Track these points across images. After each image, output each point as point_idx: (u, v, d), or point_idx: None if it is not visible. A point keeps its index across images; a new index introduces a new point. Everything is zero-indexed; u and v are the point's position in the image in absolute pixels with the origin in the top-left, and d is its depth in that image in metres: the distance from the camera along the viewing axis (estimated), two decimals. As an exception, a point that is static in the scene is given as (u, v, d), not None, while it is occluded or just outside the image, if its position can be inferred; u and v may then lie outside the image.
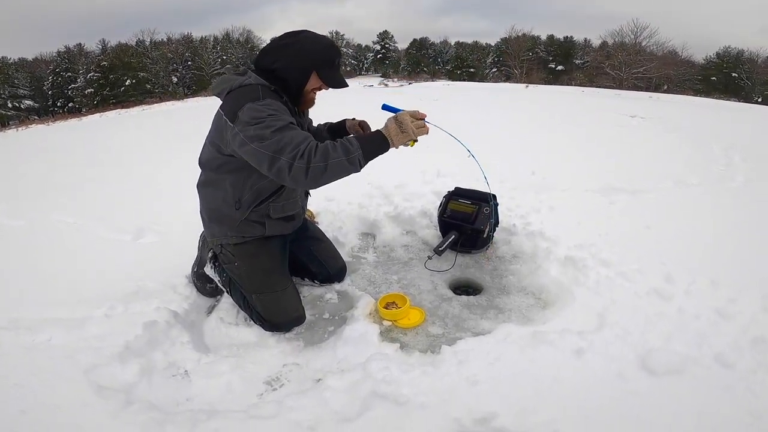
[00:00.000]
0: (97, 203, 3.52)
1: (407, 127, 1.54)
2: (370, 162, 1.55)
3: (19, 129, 11.59)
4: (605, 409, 1.45)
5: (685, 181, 3.42)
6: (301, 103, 1.75)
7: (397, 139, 1.54)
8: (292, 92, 1.69)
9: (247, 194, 1.79)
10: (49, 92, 36.71)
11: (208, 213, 1.94)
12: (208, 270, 2.04)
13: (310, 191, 2.15)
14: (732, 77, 35.60)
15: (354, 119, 2.07)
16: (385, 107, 1.73)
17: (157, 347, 1.81)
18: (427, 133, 1.60)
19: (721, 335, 1.71)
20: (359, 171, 1.53)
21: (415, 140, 1.60)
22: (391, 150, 1.61)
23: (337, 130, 2.06)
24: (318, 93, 1.80)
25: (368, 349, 1.77)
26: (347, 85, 1.72)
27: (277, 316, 1.94)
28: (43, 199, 3.74)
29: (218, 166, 1.77)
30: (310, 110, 1.95)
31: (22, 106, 35.20)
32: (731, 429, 1.37)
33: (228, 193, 1.81)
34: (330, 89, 1.75)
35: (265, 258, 1.96)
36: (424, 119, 1.62)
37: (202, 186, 1.92)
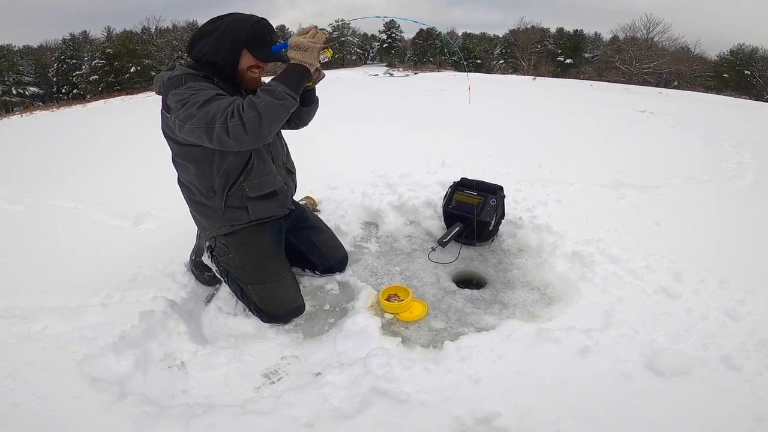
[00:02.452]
0: (97, 189, 3.49)
1: (305, 44, 1.54)
2: (299, 90, 1.54)
3: (24, 115, 11.54)
4: (610, 410, 1.40)
5: (695, 178, 3.32)
6: (241, 83, 1.71)
7: (307, 58, 1.53)
8: (227, 74, 1.67)
9: (217, 179, 1.74)
10: (54, 79, 36.63)
11: (191, 208, 1.90)
12: (206, 259, 2.00)
13: (293, 169, 2.08)
14: (744, 75, 34.98)
15: None
16: (275, 48, 1.67)
17: (153, 338, 1.77)
18: (325, 36, 1.59)
19: (728, 337, 1.66)
20: (296, 102, 1.51)
21: (325, 48, 1.61)
22: (323, 79, 1.76)
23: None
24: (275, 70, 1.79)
25: (369, 344, 1.73)
26: (283, 60, 1.66)
27: (274, 307, 1.90)
28: (43, 184, 3.72)
29: (183, 157, 1.75)
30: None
31: (26, 93, 35.10)
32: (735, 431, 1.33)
33: (198, 186, 1.78)
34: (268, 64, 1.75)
35: (259, 246, 1.90)
36: (316, 29, 1.61)
37: (179, 183, 1.89)
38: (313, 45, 1.54)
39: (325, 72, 1.89)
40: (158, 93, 1.69)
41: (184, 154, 1.73)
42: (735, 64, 35.86)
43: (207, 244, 1.97)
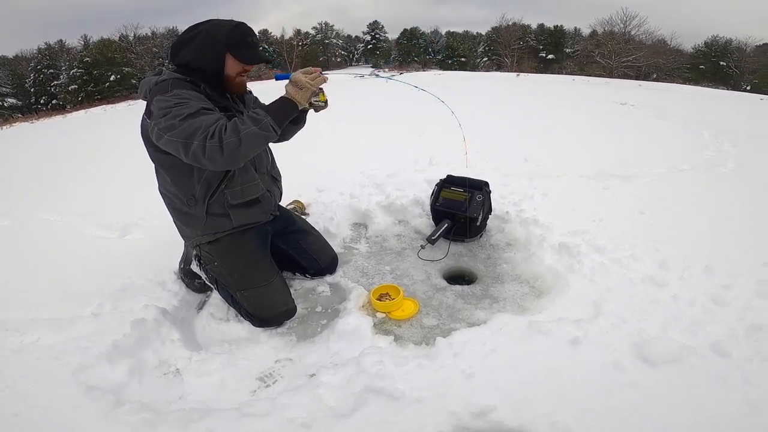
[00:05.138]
0: (83, 200, 3.46)
1: (302, 83, 1.58)
2: (283, 125, 1.58)
3: (4, 128, 11.35)
4: (603, 400, 1.40)
5: (677, 167, 3.37)
6: (229, 88, 1.71)
7: (299, 96, 1.58)
8: (213, 80, 1.66)
9: (197, 188, 1.72)
10: (32, 90, 35.66)
11: (174, 217, 1.88)
12: (195, 267, 1.97)
13: (278, 176, 2.06)
14: (720, 66, 35.64)
15: None
16: (278, 77, 1.73)
17: (146, 346, 1.75)
18: (325, 81, 1.64)
19: (716, 323, 1.67)
20: (276, 135, 1.54)
21: (320, 92, 1.65)
22: (312, 113, 1.75)
23: None
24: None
25: (361, 343, 1.71)
26: (267, 61, 1.76)
27: (264, 311, 1.88)
28: (29, 197, 3.68)
29: (161, 164, 1.73)
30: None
31: (5, 105, 34.46)
32: (727, 419, 1.33)
33: (178, 194, 1.76)
34: (255, 67, 1.80)
35: (243, 253, 1.88)
36: (320, 73, 1.65)
37: (160, 193, 1.86)
38: (309, 86, 1.58)
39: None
40: (144, 98, 1.66)
41: (162, 161, 1.69)
42: (710, 56, 36.53)
43: (194, 252, 1.94)
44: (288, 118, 1.58)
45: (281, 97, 1.59)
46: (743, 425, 1.31)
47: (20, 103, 35.61)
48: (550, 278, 2.04)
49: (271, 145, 2.07)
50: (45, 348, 1.68)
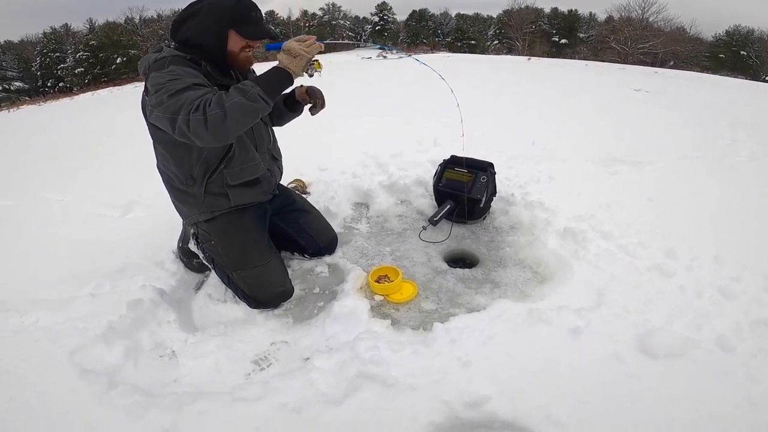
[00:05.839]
0: (86, 180, 3.46)
1: (296, 51, 1.45)
2: (276, 95, 1.45)
3: (11, 110, 11.38)
4: (602, 393, 1.35)
5: (688, 155, 3.21)
6: (234, 64, 1.64)
7: (293, 65, 1.45)
8: (217, 57, 1.59)
9: (196, 167, 1.66)
10: (38, 73, 35.41)
11: (171, 195, 1.82)
12: (192, 246, 1.92)
13: (278, 156, 1.99)
14: (741, 55, 34.48)
15: (302, 86, 1.94)
16: (269, 47, 1.59)
17: (143, 327, 1.73)
18: (320, 49, 1.51)
19: (722, 316, 1.60)
20: (268, 106, 1.41)
21: (315, 60, 1.53)
22: (306, 80, 1.61)
23: (288, 99, 1.96)
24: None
25: (357, 327, 1.67)
26: (272, 36, 1.59)
27: (260, 292, 1.83)
28: (34, 177, 3.68)
29: (161, 142, 1.67)
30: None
31: (12, 88, 34.41)
32: (729, 416, 1.28)
33: (177, 173, 1.70)
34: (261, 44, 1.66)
35: (241, 231, 1.82)
36: (314, 40, 1.53)
37: (158, 169, 1.81)
38: (304, 53, 1.45)
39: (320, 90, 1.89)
40: (143, 75, 1.60)
41: (160, 138, 1.64)
42: (731, 45, 35.35)
43: (191, 230, 1.89)
44: (281, 88, 1.46)
45: (273, 67, 1.47)
46: (744, 422, 1.26)
47: (27, 86, 35.50)
48: (553, 264, 1.97)
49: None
50: (44, 329, 1.67)
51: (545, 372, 1.41)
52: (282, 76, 1.44)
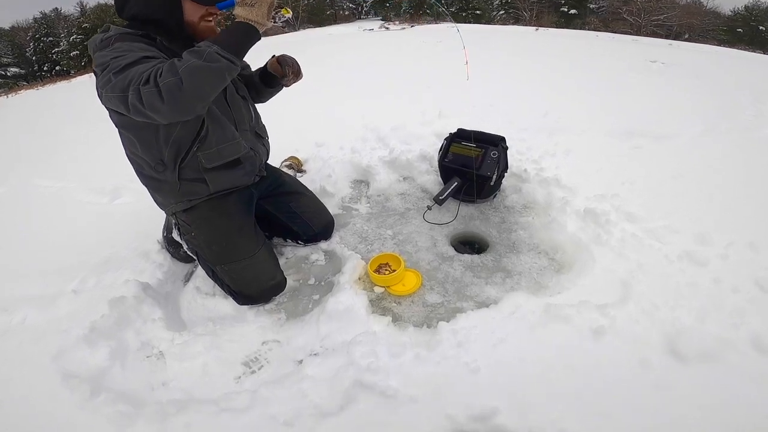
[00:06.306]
0: (78, 164, 3.34)
1: None
2: (241, 53, 1.26)
3: (9, 96, 11.26)
4: (623, 404, 1.21)
5: (713, 128, 2.89)
6: (195, 37, 1.42)
7: (253, 14, 1.24)
8: (174, 30, 1.39)
9: (166, 151, 1.48)
10: (33, 58, 35.24)
11: (144, 183, 1.63)
12: (176, 236, 1.76)
13: (263, 134, 1.79)
14: (759, 30, 32.85)
15: (273, 56, 1.72)
16: (220, 6, 1.40)
17: (127, 326, 1.61)
18: None
19: (760, 314, 1.42)
20: (234, 65, 1.22)
21: (280, 5, 1.36)
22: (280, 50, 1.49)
23: (264, 75, 1.75)
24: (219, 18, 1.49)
25: (354, 326, 1.53)
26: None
27: (247, 287, 1.68)
28: (27, 163, 3.59)
29: (124, 126, 1.49)
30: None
31: (8, 74, 34.45)
32: (762, 427, 1.15)
33: (146, 158, 1.51)
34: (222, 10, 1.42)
35: (223, 221, 1.65)
36: None
37: (127, 157, 1.61)
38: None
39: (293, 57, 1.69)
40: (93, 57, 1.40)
41: (123, 123, 1.44)
42: (749, 20, 33.78)
43: (173, 220, 1.73)
44: (246, 43, 1.26)
45: (232, 22, 1.28)
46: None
47: (23, 71, 35.56)
48: (572, 250, 1.79)
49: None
50: (29, 329, 1.61)
51: (561, 380, 1.28)
52: (243, 29, 1.24)
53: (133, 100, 1.16)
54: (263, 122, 1.80)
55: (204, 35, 1.40)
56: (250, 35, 1.25)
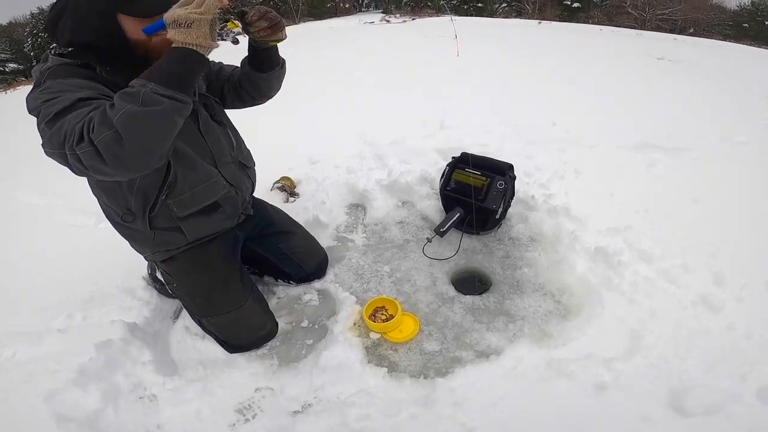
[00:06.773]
0: (64, 179, 3.13)
1: (185, 18, 1.02)
2: (186, 86, 1.05)
3: (8, 92, 11.20)
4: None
5: (730, 138, 2.84)
6: (152, 56, 1.18)
7: (191, 37, 1.02)
8: (119, 54, 1.18)
9: (132, 200, 1.36)
10: (31, 54, 35.63)
11: (117, 231, 1.53)
12: (159, 276, 1.69)
13: (248, 162, 1.64)
14: (766, 26, 32.66)
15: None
16: (146, 31, 1.15)
17: (117, 369, 1.61)
18: (222, 4, 1.05)
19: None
20: (182, 104, 1.03)
21: (227, 19, 1.11)
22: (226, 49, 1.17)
23: (253, 58, 1.47)
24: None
25: (349, 383, 1.53)
26: (168, 6, 1.10)
27: (236, 338, 1.68)
28: (12, 169, 3.49)
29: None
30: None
31: (6, 70, 34.77)
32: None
33: (113, 207, 1.41)
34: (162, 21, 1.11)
35: (205, 273, 1.58)
36: None
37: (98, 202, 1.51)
38: (197, 17, 1.02)
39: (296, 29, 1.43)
40: None
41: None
42: (756, 15, 33.92)
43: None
44: (190, 73, 1.06)
45: (168, 49, 1.06)
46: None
47: (22, 66, 35.87)
48: (580, 293, 1.75)
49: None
50: (21, 365, 1.57)
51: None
52: (181, 56, 1.04)
53: (73, 161, 1.00)
54: (247, 147, 1.67)
55: (161, 52, 1.10)
56: (193, 62, 1.05)
